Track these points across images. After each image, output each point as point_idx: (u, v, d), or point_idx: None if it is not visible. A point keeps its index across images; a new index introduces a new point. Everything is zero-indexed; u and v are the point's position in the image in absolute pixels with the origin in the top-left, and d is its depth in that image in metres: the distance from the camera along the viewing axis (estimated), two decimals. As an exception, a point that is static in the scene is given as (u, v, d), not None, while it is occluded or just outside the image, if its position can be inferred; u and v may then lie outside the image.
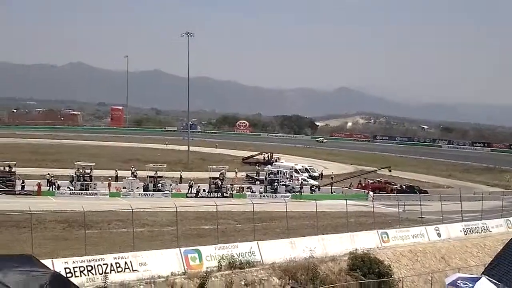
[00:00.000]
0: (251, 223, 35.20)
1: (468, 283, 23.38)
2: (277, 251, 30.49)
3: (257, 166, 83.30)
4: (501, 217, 45.81)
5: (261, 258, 29.61)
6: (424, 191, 69.15)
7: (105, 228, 38.43)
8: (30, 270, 4.23)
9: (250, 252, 29.64)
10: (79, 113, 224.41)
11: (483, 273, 27.14)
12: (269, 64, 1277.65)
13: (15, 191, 56.66)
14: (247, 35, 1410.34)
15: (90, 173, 60.60)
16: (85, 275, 24.76)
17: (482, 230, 42.68)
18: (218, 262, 28.09)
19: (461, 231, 41.49)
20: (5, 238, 34.02)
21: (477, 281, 23.31)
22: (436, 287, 30.93)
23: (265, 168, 75.13)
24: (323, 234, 35.22)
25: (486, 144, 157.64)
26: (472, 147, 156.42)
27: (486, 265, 30.05)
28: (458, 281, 23.79)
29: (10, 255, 7.54)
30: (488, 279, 23.96)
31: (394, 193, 67.02)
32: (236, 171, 75.81)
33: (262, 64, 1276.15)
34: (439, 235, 39.57)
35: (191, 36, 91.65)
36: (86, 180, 59.81)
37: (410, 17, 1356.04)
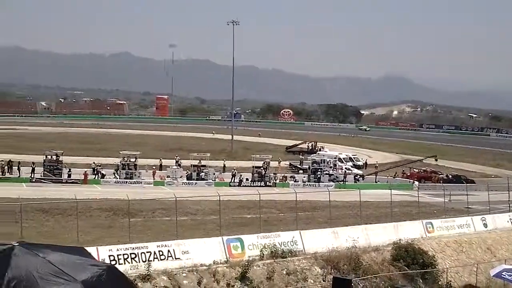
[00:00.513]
0: (294, 212, 35.12)
1: (514, 275, 22.91)
2: (320, 240, 30.37)
3: (300, 155, 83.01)
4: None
5: (303, 248, 29.54)
6: (471, 180, 67.87)
7: (149, 216, 38.88)
8: (86, 260, 4.29)
9: (292, 242, 29.59)
10: (125, 102, 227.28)
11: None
12: (315, 53, 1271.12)
13: (62, 179, 57.75)
14: (293, 23, 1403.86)
15: (135, 162, 61.34)
16: (129, 263, 25.09)
17: (531, 221, 41.75)
18: (260, 251, 28.12)
19: (508, 221, 40.66)
20: (52, 225, 34.73)
21: (523, 273, 22.82)
22: (481, 278, 30.39)
23: (308, 157, 74.89)
24: (366, 224, 34.96)
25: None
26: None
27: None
28: (504, 273, 23.35)
29: (62, 246, 7.66)
30: (535, 270, 23.41)
31: (440, 182, 66.04)
32: (280, 160, 75.73)
33: (308, 52, 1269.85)
34: (485, 225, 38.86)
35: (236, 24, 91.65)
36: (131, 169, 60.54)
37: (460, 2, 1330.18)
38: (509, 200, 45.83)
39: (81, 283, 3.34)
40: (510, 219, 41.01)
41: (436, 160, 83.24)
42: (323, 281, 27.29)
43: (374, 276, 28.17)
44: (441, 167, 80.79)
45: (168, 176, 61.63)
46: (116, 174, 60.21)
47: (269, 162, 66.15)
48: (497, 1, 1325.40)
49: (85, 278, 3.37)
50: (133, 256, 25.32)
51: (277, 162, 73.50)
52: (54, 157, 59.42)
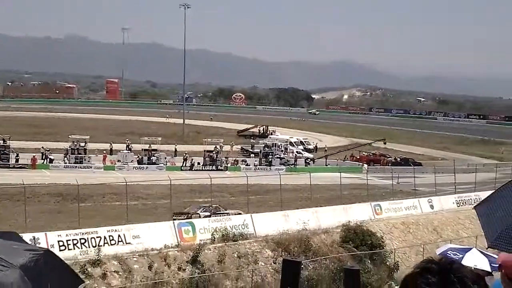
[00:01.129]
0: (245, 196, 35.40)
1: (458, 254, 23.55)
2: (271, 223, 30.73)
3: (252, 139, 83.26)
4: (494, 189, 45.75)
5: (254, 231, 29.84)
6: (418, 163, 69.21)
7: (99, 201, 38.58)
8: (21, 245, 4.21)
9: (243, 225, 29.87)
10: (75, 86, 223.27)
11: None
12: (267, 37, 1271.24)
13: (9, 164, 56.63)
14: (246, 7, 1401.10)
15: (84, 146, 60.52)
16: (79, 248, 24.96)
17: (475, 202, 42.78)
18: (212, 235, 28.33)
19: (454, 203, 41.78)
20: (-1, 211, 34.14)
21: (467, 252, 23.49)
22: (428, 259, 31.19)
23: (260, 141, 75.15)
24: (316, 206, 35.44)
25: (481, 116, 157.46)
26: (468, 119, 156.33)
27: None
28: (449, 252, 23.95)
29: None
30: (479, 250, 24.14)
31: (388, 165, 67.12)
32: (233, 143, 75.89)
33: (260, 37, 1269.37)
34: (432, 207, 39.85)
35: (187, 7, 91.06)
36: (80, 153, 59.73)
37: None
38: (455, 182, 47.05)
39: (19, 269, 3.33)
40: (455, 200, 42.15)
41: (385, 143, 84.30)
42: (274, 263, 27.64)
43: (323, 258, 28.64)
44: (389, 150, 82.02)
45: (118, 161, 61.07)
46: (65, 159, 59.34)
47: (222, 146, 66.18)
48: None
49: (23, 263, 3.35)
50: (82, 241, 25.18)
51: (230, 146, 73.58)
52: (1, 142, 58.18)
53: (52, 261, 3.66)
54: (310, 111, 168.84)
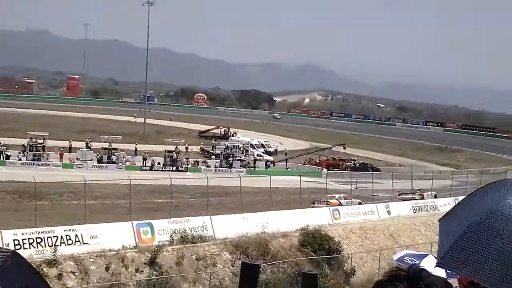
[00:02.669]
0: (205, 198, 35.40)
1: (415, 260, 23.87)
2: (230, 226, 30.79)
3: (213, 140, 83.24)
4: (450, 196, 46.92)
5: (214, 233, 29.86)
6: (377, 169, 70.03)
7: (57, 199, 38.09)
8: None
9: (202, 227, 29.86)
10: (34, 81, 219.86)
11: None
12: (232, 38, 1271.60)
13: (-36, 160, 55.55)
14: (211, 7, 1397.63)
15: (43, 143, 59.66)
16: (34, 247, 24.64)
17: (430, 209, 43.72)
18: (170, 236, 28.26)
19: (410, 209, 42.48)
20: (-47, 208, 33.46)
21: (423, 258, 23.83)
22: (384, 264, 31.60)
23: (221, 143, 75.26)
24: (275, 210, 35.63)
25: (439, 124, 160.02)
26: (426, 126, 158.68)
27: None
28: (405, 258, 24.23)
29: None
30: (435, 256, 24.52)
31: (347, 170, 67.73)
32: (202, 144, 76.23)
33: (225, 38, 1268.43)
34: (389, 212, 40.42)
35: (151, 5, 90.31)
36: (38, 150, 58.85)
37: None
38: (412, 188, 47.81)
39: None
40: (412, 206, 42.85)
41: (345, 148, 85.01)
42: (232, 266, 27.71)
43: (282, 262, 28.82)
44: (349, 155, 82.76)
45: (77, 159, 60.35)
46: (22, 155, 58.37)
47: (187, 147, 66.36)
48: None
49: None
50: (38, 240, 24.86)
51: (198, 147, 74.27)
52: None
53: (19, 263, 3.66)
54: (274, 115, 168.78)
